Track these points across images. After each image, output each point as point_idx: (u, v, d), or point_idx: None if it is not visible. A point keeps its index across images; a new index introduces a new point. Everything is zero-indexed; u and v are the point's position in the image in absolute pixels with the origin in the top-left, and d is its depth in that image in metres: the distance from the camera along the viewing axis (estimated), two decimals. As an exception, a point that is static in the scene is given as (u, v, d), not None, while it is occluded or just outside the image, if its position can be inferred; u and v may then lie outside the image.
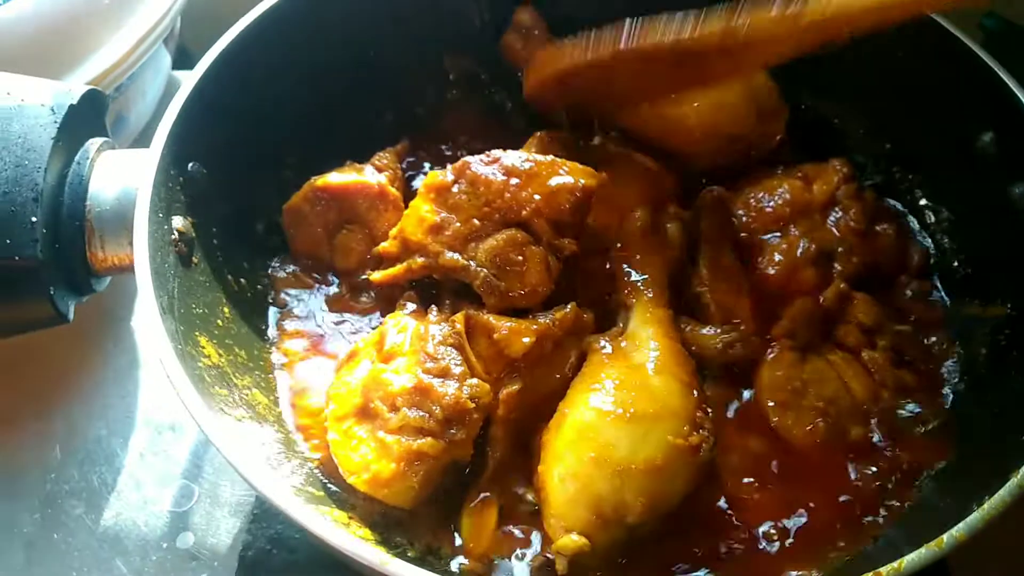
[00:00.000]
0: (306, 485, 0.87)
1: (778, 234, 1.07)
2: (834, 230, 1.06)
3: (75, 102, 0.90)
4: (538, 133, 1.12)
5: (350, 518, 0.87)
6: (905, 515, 0.87)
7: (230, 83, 1.01)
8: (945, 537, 0.68)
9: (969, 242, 1.06)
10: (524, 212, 0.96)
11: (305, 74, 1.12)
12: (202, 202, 0.97)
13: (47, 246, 0.86)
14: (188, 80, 0.96)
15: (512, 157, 0.99)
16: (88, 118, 0.94)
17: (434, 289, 1.01)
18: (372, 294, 1.08)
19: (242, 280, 1.04)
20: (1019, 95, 0.97)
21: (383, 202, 1.08)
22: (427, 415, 0.86)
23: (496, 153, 1.00)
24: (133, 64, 1.15)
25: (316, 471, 0.92)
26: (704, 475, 0.87)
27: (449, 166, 1.00)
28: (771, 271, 1.05)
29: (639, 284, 1.01)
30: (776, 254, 1.05)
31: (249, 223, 1.09)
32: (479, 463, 0.92)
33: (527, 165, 0.98)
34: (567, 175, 0.98)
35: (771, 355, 0.99)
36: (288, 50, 1.09)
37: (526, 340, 0.92)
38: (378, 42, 1.20)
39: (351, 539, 0.70)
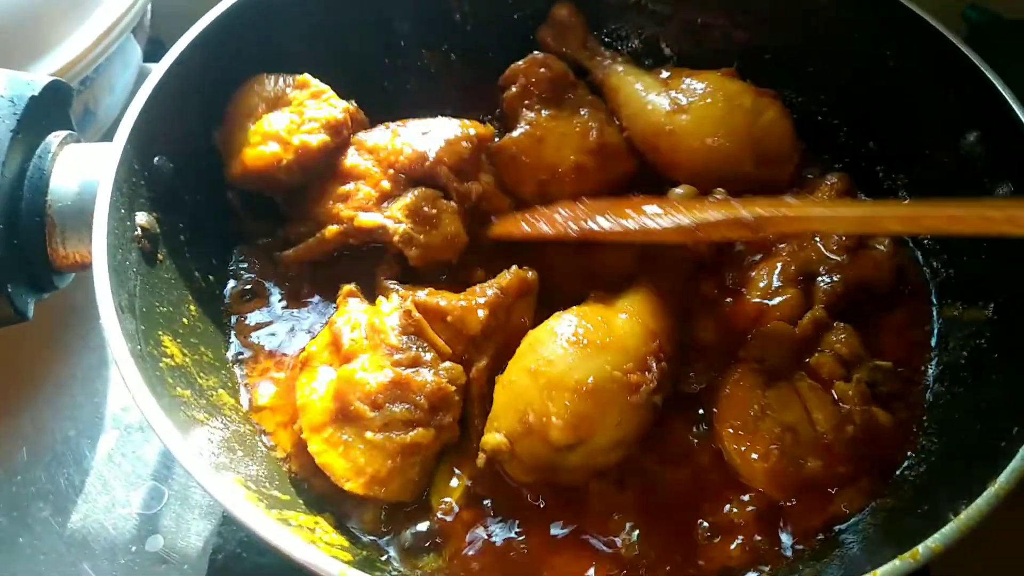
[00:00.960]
0: (271, 488, 0.85)
1: (759, 256, 1.05)
2: (821, 247, 1.03)
3: (36, 93, 0.88)
4: None
5: (316, 522, 0.85)
6: (879, 523, 0.85)
7: (199, 75, 0.99)
8: (920, 548, 0.66)
9: (952, 244, 1.04)
10: (427, 163, 1.01)
11: (278, 65, 1.09)
12: (169, 197, 0.95)
13: (4, 242, 0.84)
14: (155, 71, 0.94)
15: (400, 125, 1.06)
16: (51, 111, 0.92)
17: (371, 282, 1.01)
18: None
19: (210, 277, 1.02)
20: (1004, 93, 0.95)
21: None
22: (412, 406, 0.86)
23: (390, 124, 1.07)
24: (99, 56, 1.13)
25: (285, 474, 0.90)
26: (641, 422, 0.87)
27: (350, 146, 1.05)
28: (749, 298, 1.01)
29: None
30: (758, 280, 1.02)
31: (218, 219, 1.06)
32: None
33: (418, 126, 1.05)
34: (458, 126, 1.05)
35: (734, 376, 0.95)
36: (259, 42, 1.07)
37: (481, 314, 0.93)
38: (353, 34, 1.18)
39: (305, 547, 0.68)
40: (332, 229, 1.00)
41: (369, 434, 0.85)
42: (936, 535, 0.67)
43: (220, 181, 1.05)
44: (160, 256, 0.93)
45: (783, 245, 1.04)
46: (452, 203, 1.01)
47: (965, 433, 0.88)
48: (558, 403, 0.84)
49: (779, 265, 1.02)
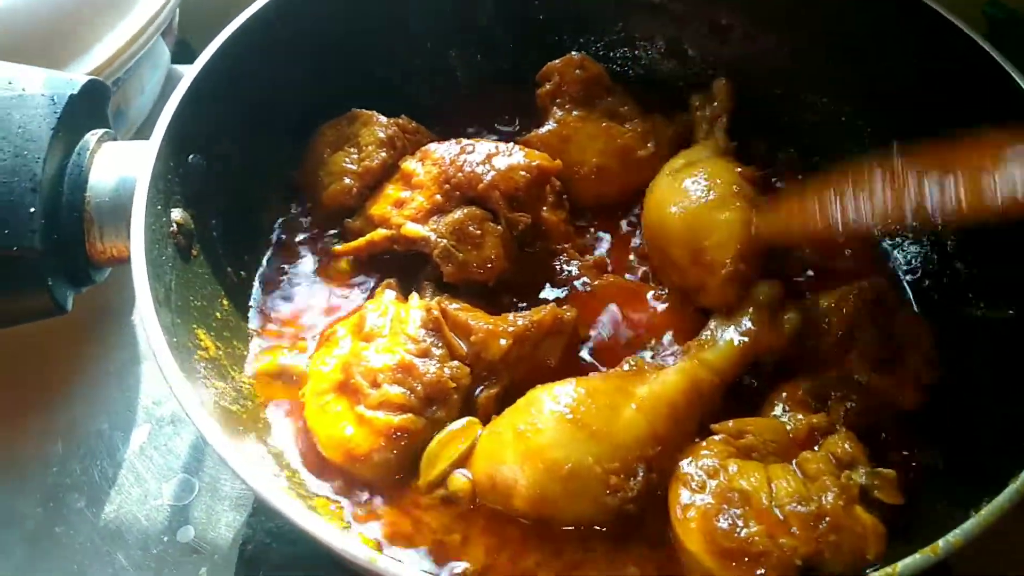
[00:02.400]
0: (298, 475, 0.87)
1: None
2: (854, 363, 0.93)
3: (76, 92, 0.90)
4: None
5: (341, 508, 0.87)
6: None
7: (231, 76, 1.01)
8: (941, 543, 0.66)
9: (973, 243, 1.04)
10: (480, 186, 1.02)
11: (307, 66, 1.12)
12: (202, 194, 0.98)
13: (45, 236, 0.86)
14: (189, 72, 0.96)
15: (473, 143, 1.07)
16: (89, 109, 0.94)
17: (413, 283, 1.03)
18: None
19: (242, 273, 1.05)
20: (1022, 85, 0.95)
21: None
22: (408, 392, 0.88)
23: (463, 140, 1.07)
24: (131, 57, 1.15)
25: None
26: (604, 523, 0.83)
27: (418, 152, 1.07)
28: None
29: (712, 341, 0.95)
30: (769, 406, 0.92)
31: (250, 216, 1.09)
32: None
33: (487, 147, 1.05)
34: (523, 155, 1.04)
35: (700, 444, 0.86)
36: (290, 42, 1.09)
37: (503, 343, 0.93)
38: (382, 33, 1.20)
39: (338, 535, 0.69)
40: (381, 233, 1.04)
41: (361, 408, 0.87)
42: (957, 530, 0.67)
43: (252, 178, 1.07)
44: (194, 251, 0.95)
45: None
46: (499, 227, 1.03)
47: (987, 433, 0.88)
48: (529, 475, 0.81)
49: (789, 391, 0.92)
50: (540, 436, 0.83)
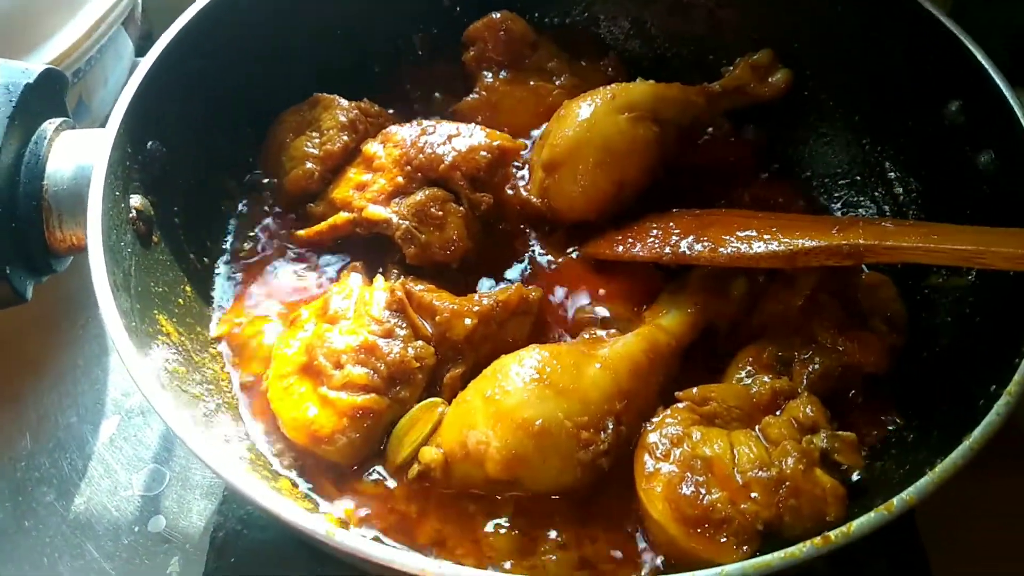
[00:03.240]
0: (265, 458, 0.87)
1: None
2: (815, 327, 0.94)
3: (31, 81, 0.90)
4: None
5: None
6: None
7: (190, 61, 1.00)
8: (895, 500, 0.67)
9: (937, 213, 1.05)
10: (441, 167, 1.02)
11: (267, 50, 1.12)
12: (162, 180, 0.97)
13: (2, 226, 0.86)
14: (147, 58, 0.96)
15: (434, 124, 1.06)
16: (47, 98, 0.94)
17: (381, 266, 1.03)
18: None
19: (205, 259, 1.04)
20: (984, 62, 0.96)
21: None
22: (372, 372, 0.88)
23: (424, 121, 1.07)
24: (91, 48, 1.15)
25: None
26: (581, 479, 0.83)
27: (379, 135, 1.06)
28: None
29: (665, 309, 0.98)
30: (735, 368, 0.94)
31: (212, 202, 1.09)
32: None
33: (448, 128, 1.05)
34: (484, 136, 1.04)
35: (664, 413, 0.87)
36: (250, 27, 1.09)
37: (468, 322, 0.93)
38: (342, 18, 1.20)
39: (298, 512, 0.69)
40: (343, 216, 1.03)
41: (324, 389, 0.87)
42: (911, 488, 0.68)
43: (214, 164, 1.07)
44: (155, 238, 0.94)
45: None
46: (461, 208, 1.03)
47: (950, 398, 0.88)
48: (500, 436, 0.81)
49: (754, 354, 0.94)
50: (509, 398, 0.83)
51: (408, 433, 0.89)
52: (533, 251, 1.09)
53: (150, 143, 0.96)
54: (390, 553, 0.66)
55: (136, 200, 0.92)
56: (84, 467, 1.08)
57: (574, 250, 1.08)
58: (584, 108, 1.07)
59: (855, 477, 0.83)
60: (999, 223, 0.88)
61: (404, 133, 1.06)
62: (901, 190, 1.11)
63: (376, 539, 0.84)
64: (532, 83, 1.19)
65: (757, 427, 0.85)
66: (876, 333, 0.94)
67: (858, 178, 1.16)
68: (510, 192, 1.10)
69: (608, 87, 1.09)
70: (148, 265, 0.92)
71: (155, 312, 0.90)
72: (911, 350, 0.96)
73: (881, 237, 0.86)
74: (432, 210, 1.01)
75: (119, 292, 0.81)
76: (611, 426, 0.84)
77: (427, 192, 1.02)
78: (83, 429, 1.12)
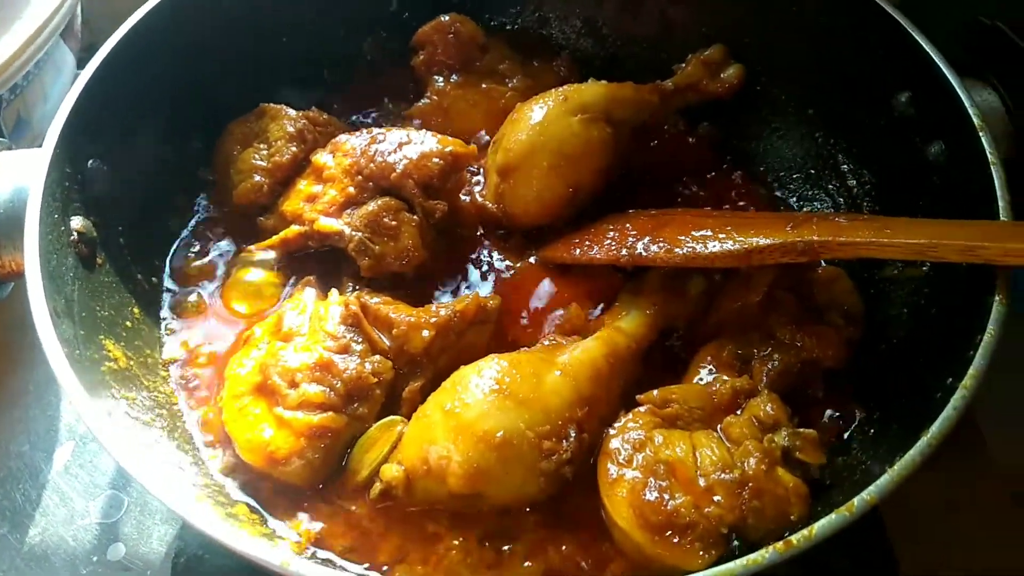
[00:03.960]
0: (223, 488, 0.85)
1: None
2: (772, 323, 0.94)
3: (-42, 102, 0.87)
4: None
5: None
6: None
7: (130, 75, 0.98)
8: (856, 501, 0.67)
9: (891, 204, 1.05)
10: (393, 175, 1.00)
11: (213, 60, 1.09)
12: (105, 200, 0.95)
13: (-65, 254, 0.83)
14: (83, 74, 0.93)
15: (384, 132, 1.04)
16: (-23, 119, 0.91)
17: (334, 280, 1.02)
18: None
19: (153, 279, 1.02)
20: (931, 53, 0.96)
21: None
22: (328, 389, 0.86)
23: (374, 130, 1.05)
24: (27, 62, 1.11)
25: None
26: (544, 490, 0.82)
27: (329, 144, 1.05)
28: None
29: (623, 311, 0.97)
30: (695, 369, 0.93)
31: (159, 220, 1.06)
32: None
33: (398, 135, 1.03)
34: (436, 142, 1.02)
35: (625, 418, 0.86)
36: (194, 35, 1.06)
37: (425, 334, 0.91)
38: (290, 25, 1.18)
39: (257, 543, 0.68)
40: (294, 230, 1.01)
41: (280, 410, 0.85)
42: (871, 487, 0.68)
43: (159, 181, 1.04)
44: (99, 260, 0.92)
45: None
46: (415, 217, 1.01)
47: (908, 390, 0.88)
48: (462, 449, 0.80)
49: (713, 353, 0.93)
50: (469, 411, 0.82)
51: (368, 452, 0.87)
52: (490, 257, 1.08)
53: (91, 162, 0.93)
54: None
55: (77, 222, 0.89)
56: (38, 497, 1.06)
57: (532, 255, 1.07)
58: (537, 111, 1.06)
59: (817, 474, 0.82)
60: (951, 214, 0.89)
61: (354, 142, 1.04)
62: (855, 182, 1.11)
63: (330, 561, 0.83)
64: (484, 86, 1.18)
65: (719, 427, 0.85)
66: (833, 327, 0.94)
67: (812, 171, 1.17)
68: (465, 198, 1.09)
69: (560, 89, 1.08)
70: (92, 288, 0.89)
71: (101, 337, 0.87)
72: (868, 343, 0.96)
73: (835, 233, 0.86)
74: (385, 220, 0.99)
75: (60, 319, 0.79)
76: (573, 434, 0.83)
77: (379, 202, 1.00)
78: (36, 457, 1.09)
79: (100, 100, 0.93)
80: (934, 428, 0.71)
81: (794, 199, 1.17)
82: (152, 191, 1.04)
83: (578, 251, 1.02)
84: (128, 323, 0.94)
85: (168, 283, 1.05)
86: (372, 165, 1.01)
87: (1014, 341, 0.79)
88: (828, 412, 0.92)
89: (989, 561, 1.01)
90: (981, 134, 0.89)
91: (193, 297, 1.04)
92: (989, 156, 0.88)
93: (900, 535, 0.95)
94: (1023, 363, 0.90)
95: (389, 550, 0.83)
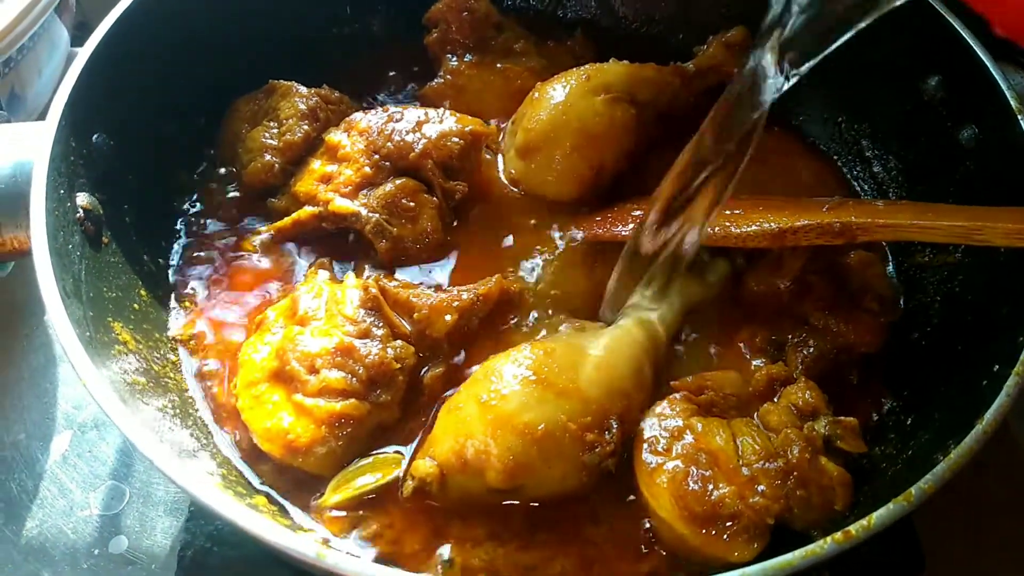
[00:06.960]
0: (236, 473, 0.82)
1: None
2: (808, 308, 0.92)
3: (-45, 73, 0.83)
4: None
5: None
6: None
7: (133, 48, 0.95)
8: (913, 490, 0.65)
9: (919, 190, 1.04)
10: (412, 155, 0.98)
11: (216, 35, 1.06)
12: (110, 177, 0.91)
13: (-69, 230, 0.79)
14: (87, 46, 0.90)
15: (401, 110, 1.02)
16: (-25, 91, 0.87)
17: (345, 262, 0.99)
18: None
19: (159, 260, 0.99)
20: (965, 36, 0.95)
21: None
22: (350, 375, 0.83)
23: (390, 108, 1.03)
24: (21, 36, 1.08)
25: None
26: (584, 486, 0.80)
27: (343, 123, 1.02)
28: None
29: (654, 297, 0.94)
30: None
31: (166, 198, 1.03)
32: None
33: (416, 114, 1.01)
34: (454, 121, 1.00)
35: (660, 404, 0.84)
36: (197, 10, 1.03)
37: (448, 318, 0.89)
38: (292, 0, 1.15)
39: (285, 532, 0.64)
40: (307, 211, 0.98)
41: (299, 397, 0.82)
42: (928, 475, 0.66)
43: (165, 158, 1.01)
44: (105, 239, 0.89)
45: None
46: (434, 198, 0.98)
47: (944, 378, 0.87)
48: (501, 443, 0.77)
49: (746, 339, 0.93)
50: (507, 402, 0.79)
51: (355, 478, 0.84)
52: (511, 238, 1.04)
53: (95, 136, 0.90)
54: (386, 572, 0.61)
55: (83, 198, 0.86)
56: (35, 488, 1.03)
57: (555, 231, 1.04)
58: (559, 90, 1.03)
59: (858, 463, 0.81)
60: (985, 200, 0.87)
61: (370, 121, 1.01)
62: (880, 168, 1.10)
63: (354, 555, 0.79)
64: (499, 65, 1.15)
65: (756, 414, 0.83)
66: (868, 312, 0.92)
67: (835, 157, 1.15)
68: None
69: (582, 68, 1.06)
70: (99, 269, 0.86)
71: (109, 319, 0.84)
72: (900, 330, 0.95)
73: (874, 215, 0.85)
74: (404, 201, 0.97)
75: (70, 300, 0.76)
76: (615, 425, 0.81)
77: (397, 182, 0.97)
78: (32, 447, 1.06)
79: (105, 73, 0.90)
80: (988, 415, 0.70)
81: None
82: (157, 168, 1.01)
83: (601, 230, 1.00)
84: (136, 305, 0.91)
85: (175, 263, 1.01)
86: (390, 144, 0.98)
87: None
88: (861, 399, 0.90)
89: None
90: (1020, 118, 0.88)
91: (201, 279, 1.00)
92: (1026, 139, 0.87)
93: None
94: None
95: (417, 541, 0.80)
